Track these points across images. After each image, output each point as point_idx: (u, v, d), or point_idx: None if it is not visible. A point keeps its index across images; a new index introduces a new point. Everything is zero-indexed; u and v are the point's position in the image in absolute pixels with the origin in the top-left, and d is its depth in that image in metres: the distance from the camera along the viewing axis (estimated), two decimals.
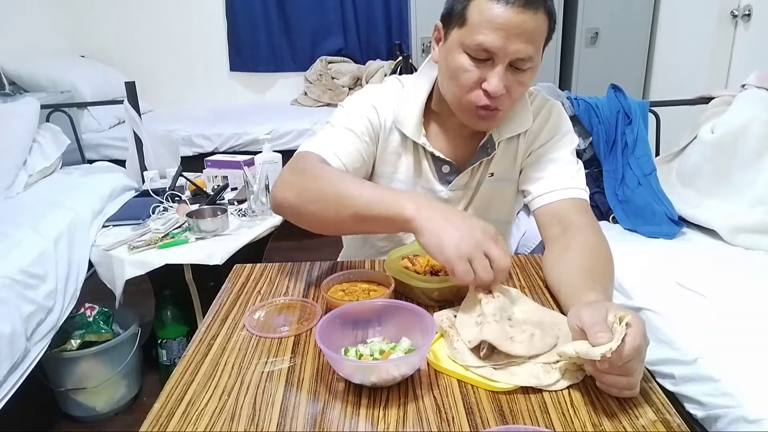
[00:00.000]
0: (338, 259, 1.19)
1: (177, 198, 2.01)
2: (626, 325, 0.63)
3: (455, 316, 0.80)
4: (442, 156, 1.07)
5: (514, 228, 1.87)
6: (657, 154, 2.14)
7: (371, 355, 0.72)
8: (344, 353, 0.73)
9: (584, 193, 1.03)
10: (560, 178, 1.04)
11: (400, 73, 1.56)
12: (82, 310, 1.83)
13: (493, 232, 0.78)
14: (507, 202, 1.15)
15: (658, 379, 1.25)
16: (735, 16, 2.64)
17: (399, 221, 0.81)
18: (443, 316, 0.80)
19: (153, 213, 1.90)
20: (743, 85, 1.91)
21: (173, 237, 1.74)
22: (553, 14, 0.93)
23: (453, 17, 0.95)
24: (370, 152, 1.07)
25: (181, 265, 1.67)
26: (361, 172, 1.06)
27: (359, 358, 0.72)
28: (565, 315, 0.78)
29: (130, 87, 2.34)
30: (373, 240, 1.20)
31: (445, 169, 1.09)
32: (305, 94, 3.83)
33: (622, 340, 0.61)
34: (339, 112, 1.08)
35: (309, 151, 1.00)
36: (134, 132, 2.31)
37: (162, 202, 1.97)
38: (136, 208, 1.97)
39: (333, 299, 0.85)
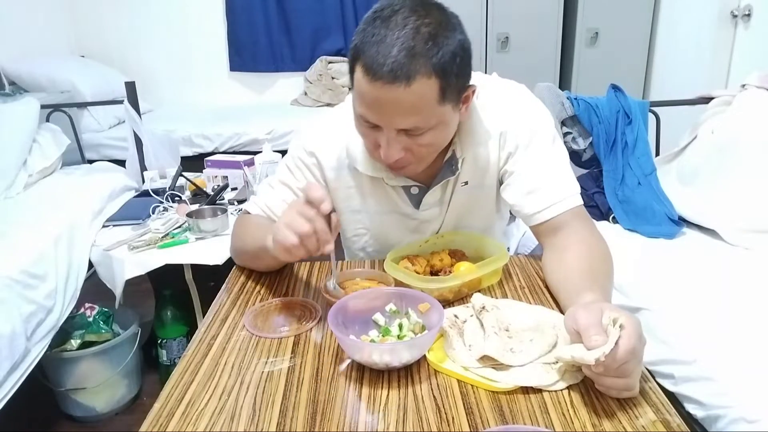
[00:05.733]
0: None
1: (177, 198, 2.01)
2: (620, 327, 0.63)
3: (455, 316, 0.81)
4: (406, 182, 1.03)
5: (514, 228, 1.86)
6: (657, 154, 2.13)
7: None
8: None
9: (578, 197, 0.97)
10: (553, 189, 0.96)
11: None
12: (82, 310, 1.83)
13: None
14: (484, 208, 1.09)
15: (657, 379, 1.25)
16: (735, 16, 2.64)
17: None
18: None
19: (153, 213, 1.90)
20: (743, 85, 1.91)
21: (173, 237, 1.73)
22: (446, 68, 0.80)
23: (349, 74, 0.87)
24: None
25: (181, 265, 1.67)
26: None
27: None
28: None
29: (130, 87, 2.34)
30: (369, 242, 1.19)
31: (414, 190, 1.04)
32: (305, 94, 3.82)
33: (616, 343, 0.61)
34: (281, 166, 1.09)
35: (243, 210, 1.10)
36: (134, 132, 2.31)
37: (162, 202, 1.96)
38: (136, 208, 1.96)
39: (333, 299, 0.85)
